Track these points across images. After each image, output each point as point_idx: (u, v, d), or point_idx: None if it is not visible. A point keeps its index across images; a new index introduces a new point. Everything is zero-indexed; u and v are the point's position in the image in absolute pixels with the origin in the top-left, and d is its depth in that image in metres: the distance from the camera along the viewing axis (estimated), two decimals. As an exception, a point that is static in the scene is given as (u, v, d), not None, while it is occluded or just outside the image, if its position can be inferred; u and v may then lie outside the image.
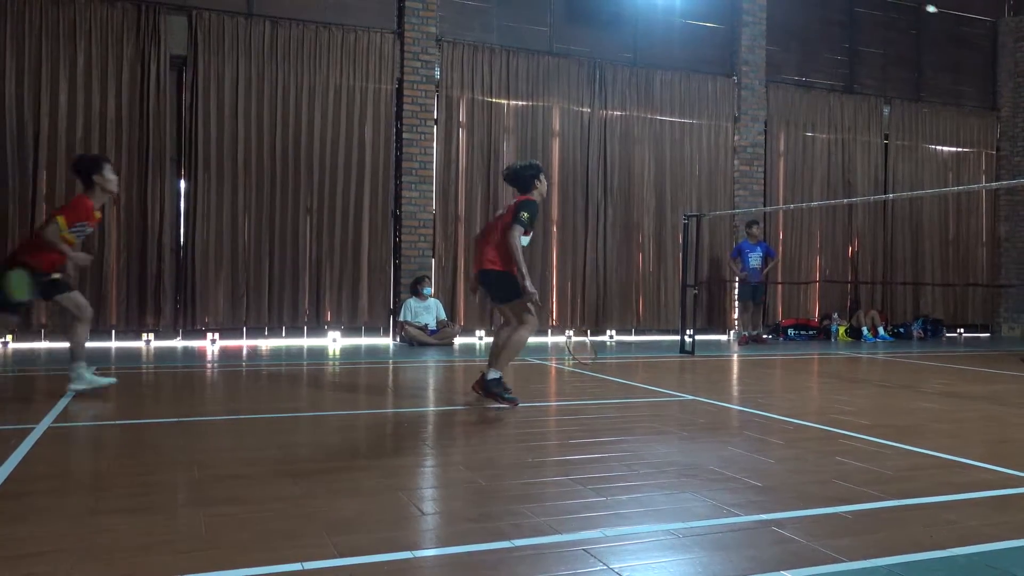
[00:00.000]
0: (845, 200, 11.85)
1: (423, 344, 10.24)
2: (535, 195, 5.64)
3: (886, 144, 14.05)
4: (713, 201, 12.60)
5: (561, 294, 11.79)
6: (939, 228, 14.38)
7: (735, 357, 9.91)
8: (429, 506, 3.22)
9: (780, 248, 13.02)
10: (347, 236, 10.63)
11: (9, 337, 9.39)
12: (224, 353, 9.22)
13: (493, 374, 5.48)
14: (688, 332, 10.12)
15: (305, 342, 10.52)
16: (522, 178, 5.65)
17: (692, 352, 9.85)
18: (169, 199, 9.93)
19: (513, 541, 2.73)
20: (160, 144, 9.79)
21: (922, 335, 13.52)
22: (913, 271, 14.08)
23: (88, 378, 5.68)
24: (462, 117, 11.28)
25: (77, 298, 5.76)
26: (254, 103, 10.22)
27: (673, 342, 10.69)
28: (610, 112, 12.06)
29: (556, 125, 11.83)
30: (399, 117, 10.98)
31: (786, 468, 3.90)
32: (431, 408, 5.82)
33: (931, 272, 14.20)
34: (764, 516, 3.05)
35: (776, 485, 3.54)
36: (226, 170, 10.09)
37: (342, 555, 2.56)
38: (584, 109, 11.92)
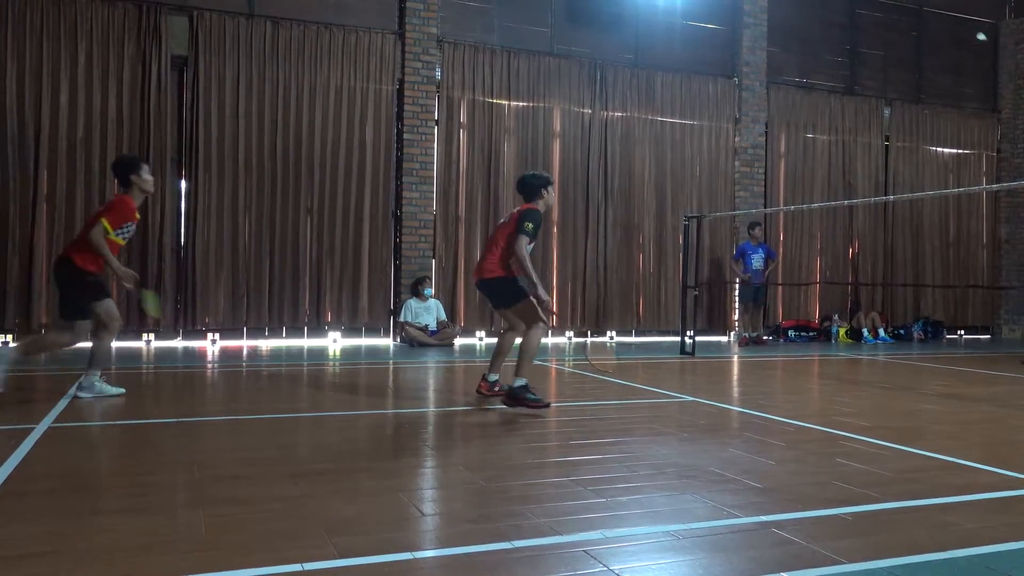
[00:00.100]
0: (846, 202, 11.85)
1: (423, 345, 10.24)
2: (540, 204, 5.68)
3: (887, 146, 14.05)
4: (714, 202, 12.60)
5: (561, 295, 11.79)
6: (940, 230, 14.37)
7: (735, 358, 9.90)
8: (429, 507, 3.22)
9: (780, 249, 13.02)
10: (348, 236, 10.63)
11: (9, 337, 9.38)
12: (224, 353, 9.22)
13: (518, 382, 5.39)
14: (688, 333, 10.12)
15: (305, 343, 10.52)
16: (530, 187, 5.70)
17: (692, 353, 9.85)
18: (170, 199, 9.93)
19: (513, 542, 2.73)
20: (161, 144, 9.79)
21: (922, 337, 13.52)
22: (913, 273, 14.08)
23: (98, 387, 5.65)
24: (463, 118, 11.28)
25: (110, 307, 5.72)
26: (255, 103, 10.22)
27: (673, 343, 10.69)
28: (611, 113, 12.06)
29: (557, 126, 11.84)
30: (400, 118, 10.98)
31: (786, 470, 3.90)
32: (431, 409, 5.82)
33: (931, 274, 14.20)
34: (764, 518, 3.05)
35: (776, 487, 3.54)
36: (227, 170, 10.10)
37: (342, 556, 2.56)
38: (585, 110, 11.92)
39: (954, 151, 14.62)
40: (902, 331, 13.54)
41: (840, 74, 13.87)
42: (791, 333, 12.86)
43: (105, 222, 5.46)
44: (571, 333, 11.99)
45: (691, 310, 10.32)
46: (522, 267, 5.49)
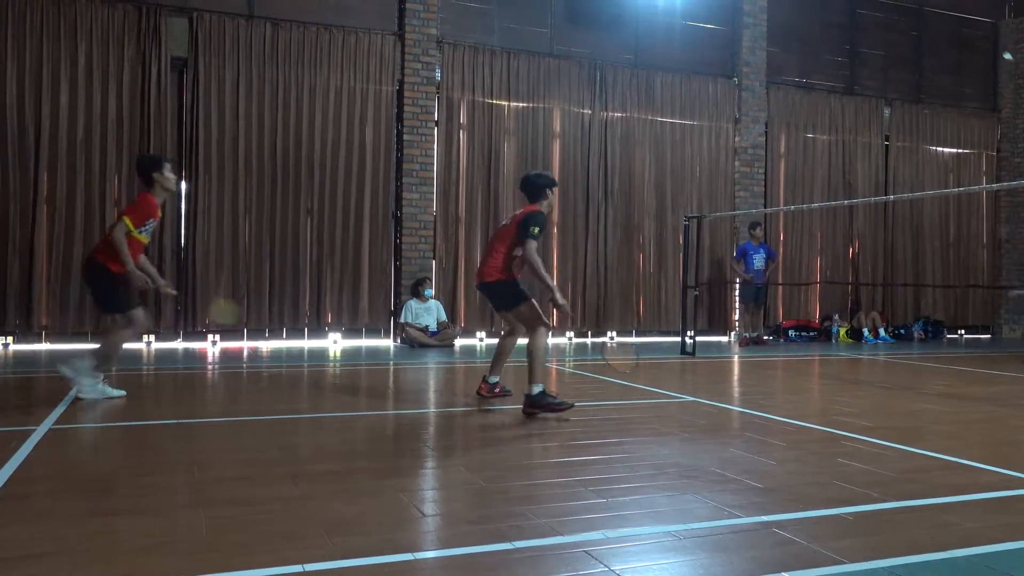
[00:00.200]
0: (846, 201, 11.84)
1: (424, 346, 10.24)
2: (544, 205, 5.65)
3: (887, 145, 14.04)
4: (714, 203, 12.60)
5: (561, 295, 11.75)
6: (940, 229, 14.37)
7: (736, 358, 9.90)
8: (430, 508, 3.22)
9: (781, 249, 13.02)
10: (348, 237, 10.63)
11: (10, 339, 9.39)
12: (225, 355, 9.22)
13: (536, 388, 5.29)
14: (689, 333, 10.12)
15: (306, 344, 10.52)
16: (535, 186, 5.65)
17: (693, 353, 9.85)
18: (170, 200, 9.87)
19: (514, 543, 2.72)
20: (161, 145, 9.79)
21: (923, 336, 13.52)
22: (914, 272, 14.07)
23: (100, 388, 5.67)
24: (463, 119, 11.28)
25: (136, 311, 5.81)
26: (255, 105, 10.22)
27: (674, 343, 10.69)
28: (611, 113, 12.06)
29: (557, 127, 11.84)
30: (400, 119, 10.98)
31: (787, 470, 3.89)
32: (432, 410, 5.82)
33: (932, 273, 14.19)
34: (765, 518, 3.05)
35: (777, 487, 3.54)
36: (227, 171, 10.10)
37: (343, 557, 2.56)
38: (585, 111, 11.92)
39: (954, 151, 14.62)
40: (902, 331, 13.53)
41: (840, 74, 13.87)
42: (791, 333, 12.86)
43: (127, 220, 5.56)
44: (571, 334, 11.99)
45: (691, 310, 10.32)
46: (536, 273, 5.47)
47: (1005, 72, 14.91)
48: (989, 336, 14.81)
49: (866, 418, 5.41)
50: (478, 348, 10.57)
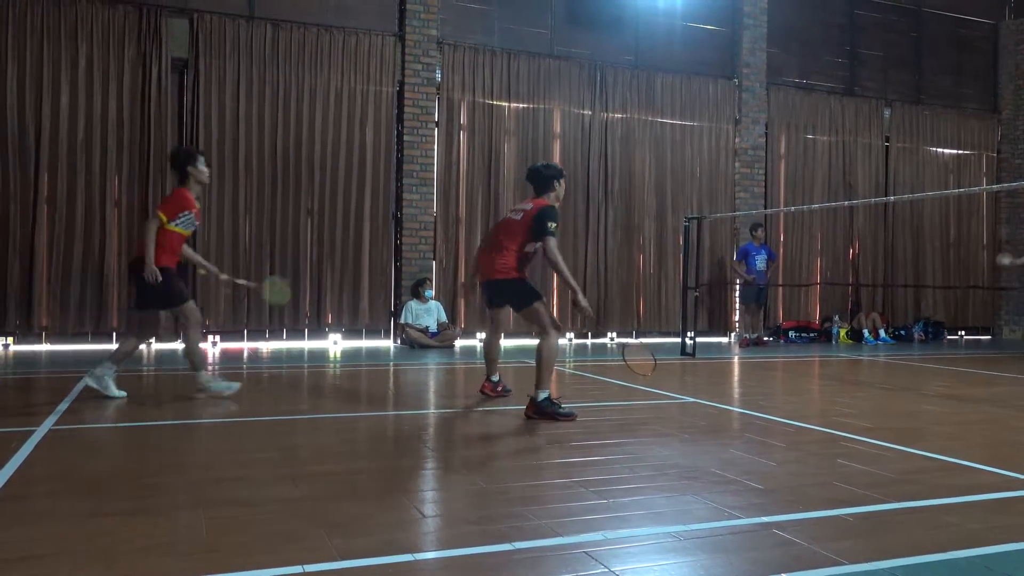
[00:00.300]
0: (846, 202, 11.84)
1: (424, 346, 10.24)
2: (551, 198, 5.57)
3: (887, 146, 14.05)
4: (714, 203, 12.60)
5: (562, 296, 11.77)
6: (940, 230, 14.37)
7: (736, 359, 9.90)
8: (430, 508, 3.22)
9: (781, 250, 13.02)
10: (348, 238, 10.63)
11: (10, 340, 9.39)
12: (225, 355, 9.22)
13: (542, 395, 5.19)
14: (689, 334, 10.12)
15: (306, 344, 10.52)
16: (543, 178, 5.57)
17: (693, 354, 9.85)
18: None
19: (514, 544, 2.73)
20: (161, 146, 9.79)
21: (923, 337, 13.52)
22: (914, 273, 14.08)
23: (107, 383, 5.72)
24: (463, 119, 11.29)
25: (189, 303, 5.91)
26: (255, 105, 10.23)
27: (674, 344, 10.69)
28: (611, 114, 12.06)
29: (557, 127, 11.84)
30: (400, 119, 10.99)
31: (787, 471, 3.90)
32: (432, 411, 5.81)
33: (932, 274, 14.19)
34: (765, 519, 3.05)
35: (777, 487, 3.54)
36: (227, 172, 10.10)
37: (343, 557, 2.56)
38: (585, 111, 11.92)
39: (954, 152, 14.62)
40: (903, 332, 13.53)
41: (840, 75, 13.88)
42: (791, 334, 12.86)
43: (161, 214, 5.65)
44: (571, 335, 11.99)
45: (692, 311, 10.32)
46: (559, 272, 5.32)
47: (1005, 73, 14.91)
48: (989, 337, 14.80)
49: (866, 419, 5.41)
50: (478, 349, 10.57)
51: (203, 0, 10.06)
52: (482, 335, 11.34)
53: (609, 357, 9.63)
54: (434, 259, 11.04)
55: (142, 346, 8.48)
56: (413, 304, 10.52)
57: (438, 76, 11.10)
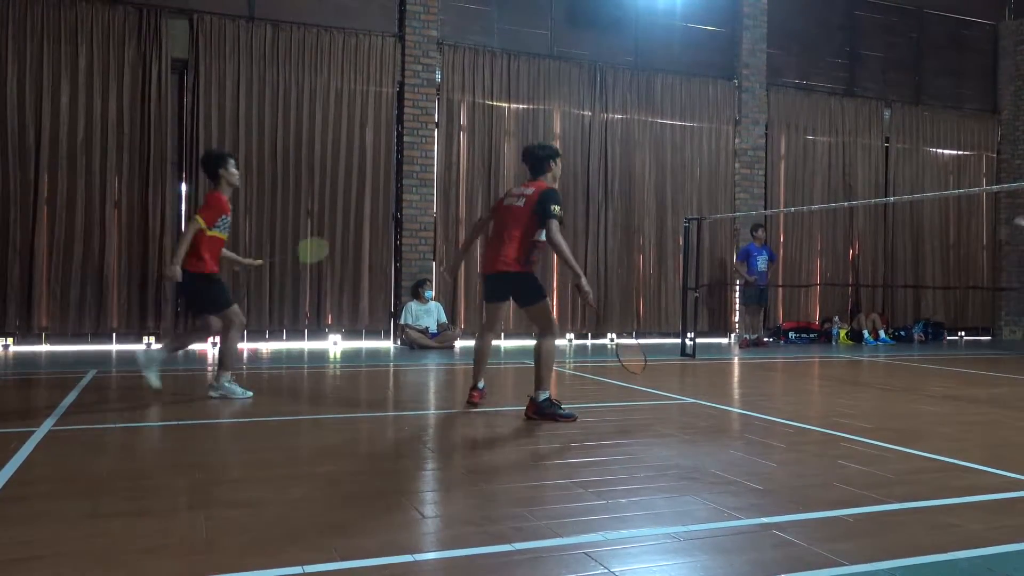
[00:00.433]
0: (846, 203, 11.85)
1: (424, 347, 10.24)
2: (549, 179, 5.43)
3: (887, 147, 14.05)
4: (714, 204, 12.60)
5: (562, 296, 11.78)
6: (940, 231, 14.37)
7: (736, 360, 9.90)
8: (430, 509, 3.22)
9: (781, 251, 13.02)
10: (348, 239, 10.63)
11: (10, 340, 9.39)
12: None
13: (543, 395, 5.14)
14: (689, 335, 10.12)
15: (306, 345, 10.52)
16: (538, 158, 5.43)
17: (693, 355, 9.85)
18: (170, 202, 9.92)
19: (514, 544, 2.72)
20: (161, 147, 9.80)
21: (923, 338, 13.51)
22: (914, 274, 14.08)
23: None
24: (463, 120, 11.29)
25: (234, 308, 5.98)
26: (255, 106, 10.23)
27: (674, 345, 10.69)
28: (611, 115, 12.06)
29: (557, 128, 11.84)
30: (400, 120, 10.99)
31: (787, 471, 3.89)
32: (432, 411, 5.81)
33: (932, 275, 14.19)
34: (765, 519, 3.05)
35: (777, 488, 3.53)
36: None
37: (343, 558, 2.56)
38: (585, 112, 11.92)
39: (954, 152, 14.62)
40: (902, 332, 13.53)
41: (840, 76, 13.88)
42: (791, 335, 12.86)
43: (200, 219, 5.69)
44: (571, 335, 11.99)
45: (691, 312, 10.32)
46: (562, 256, 5.14)
47: (1005, 74, 14.91)
48: (989, 338, 14.80)
49: (866, 420, 5.41)
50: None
51: (203, 1, 10.06)
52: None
53: (609, 358, 9.62)
54: (434, 260, 11.04)
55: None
56: (413, 305, 10.52)
57: (438, 77, 11.10)
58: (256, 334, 10.31)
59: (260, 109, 10.24)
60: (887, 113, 14.01)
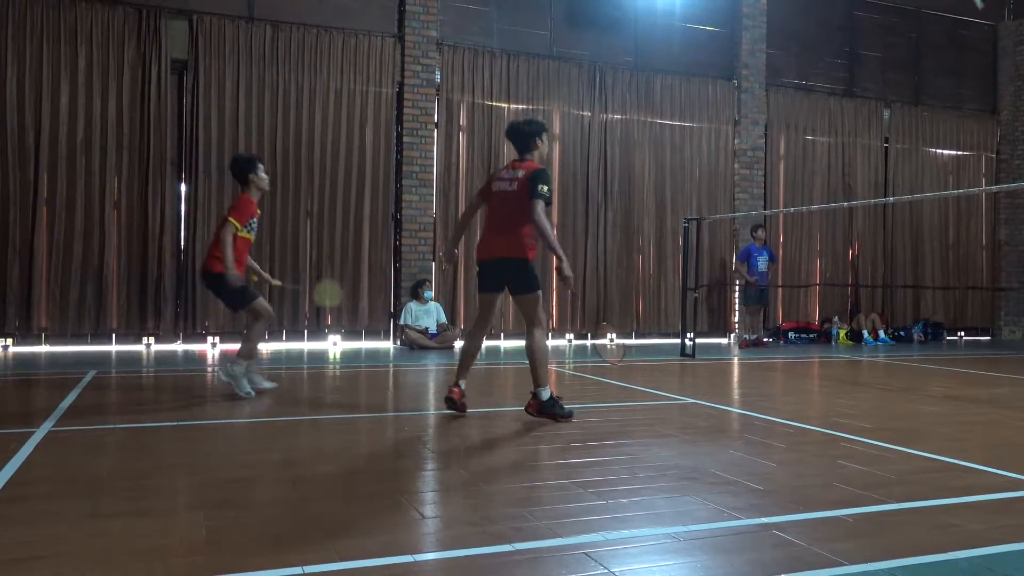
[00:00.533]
0: (845, 203, 11.85)
1: (424, 348, 10.24)
2: (535, 157, 5.26)
3: (886, 147, 14.05)
4: (713, 205, 12.60)
5: (561, 297, 11.78)
6: (939, 231, 14.38)
7: (736, 360, 9.90)
8: (429, 510, 3.21)
9: (780, 251, 13.02)
10: (347, 239, 10.63)
11: (9, 341, 9.39)
12: (225, 356, 9.21)
13: (545, 393, 5.09)
14: (689, 335, 10.12)
15: (305, 345, 10.51)
16: (523, 135, 5.26)
17: (693, 355, 9.85)
18: (170, 202, 9.92)
19: (513, 545, 2.72)
20: (161, 147, 9.80)
21: (922, 338, 13.52)
22: (913, 274, 14.08)
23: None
24: (462, 120, 11.29)
25: (260, 301, 6.12)
26: (255, 107, 10.23)
27: (674, 345, 10.69)
28: (610, 116, 12.06)
29: (556, 128, 11.84)
30: (399, 121, 10.99)
31: (787, 471, 3.89)
32: (432, 412, 5.80)
33: (931, 275, 14.20)
34: (765, 519, 3.05)
35: (777, 488, 3.53)
36: (227, 173, 10.06)
37: (343, 559, 2.56)
38: (584, 113, 11.92)
39: (953, 153, 14.63)
40: (902, 333, 13.54)
41: (839, 76, 13.88)
42: (791, 335, 12.86)
43: (233, 221, 5.82)
44: (571, 335, 11.99)
45: (691, 312, 10.32)
46: (544, 237, 5.00)
47: (1005, 74, 14.92)
48: (989, 338, 14.81)
49: (866, 420, 5.41)
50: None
51: (203, 1, 10.07)
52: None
53: (599, 358, 9.62)
54: (433, 260, 11.04)
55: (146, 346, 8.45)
56: (412, 305, 10.52)
57: (437, 77, 11.11)
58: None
59: (260, 109, 10.24)
60: (886, 113, 14.02)
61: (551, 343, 11.51)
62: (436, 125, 11.14)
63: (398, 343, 10.75)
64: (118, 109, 9.68)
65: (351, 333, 10.76)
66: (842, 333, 12.95)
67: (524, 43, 11.72)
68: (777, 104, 13.15)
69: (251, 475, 3.68)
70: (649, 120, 12.31)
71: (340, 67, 10.60)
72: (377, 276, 10.81)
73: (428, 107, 11.07)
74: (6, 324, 9.28)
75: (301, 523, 2.93)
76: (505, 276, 5.24)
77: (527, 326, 5.24)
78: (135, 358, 8.86)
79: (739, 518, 3.07)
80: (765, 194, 13.09)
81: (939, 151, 14.52)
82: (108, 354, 9.18)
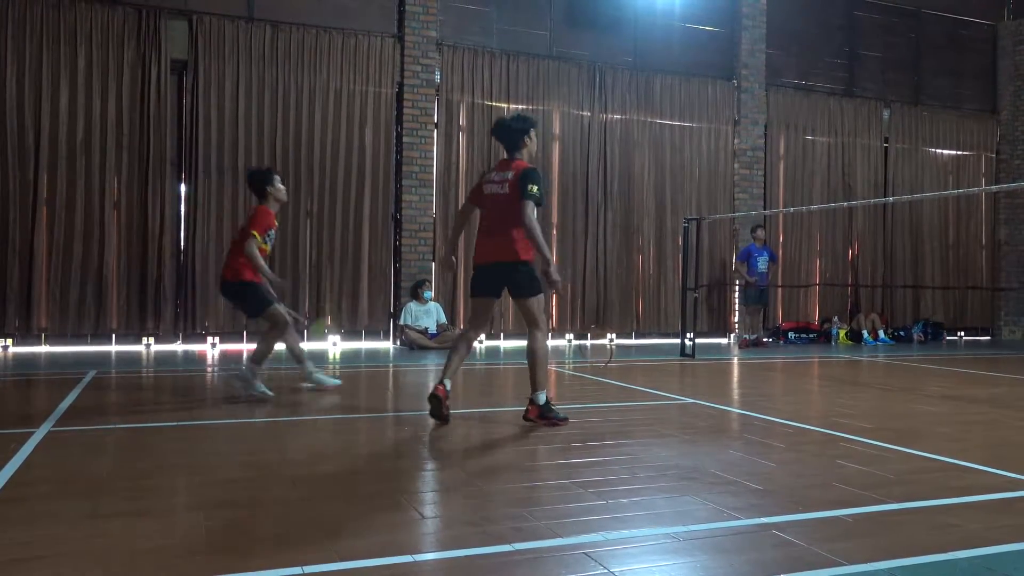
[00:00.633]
0: (845, 203, 11.85)
1: (423, 348, 10.24)
2: (524, 155, 5.11)
3: (886, 147, 14.05)
4: (713, 205, 12.60)
5: (561, 297, 11.78)
6: (939, 231, 14.38)
7: (735, 360, 9.90)
8: (429, 510, 3.22)
9: (780, 251, 13.02)
10: (347, 240, 10.63)
11: (9, 341, 9.39)
12: (224, 357, 9.21)
13: (542, 397, 4.99)
14: (688, 335, 10.12)
15: (305, 346, 10.48)
16: (511, 131, 5.10)
17: (693, 355, 9.85)
18: (169, 202, 9.92)
19: (513, 545, 2.72)
20: (160, 148, 9.80)
21: (922, 338, 13.52)
22: (913, 274, 14.08)
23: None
24: (462, 121, 11.29)
25: (276, 309, 6.26)
26: (254, 107, 10.23)
27: (673, 345, 10.69)
28: (610, 116, 12.06)
29: (556, 129, 11.84)
30: (399, 121, 10.99)
31: (787, 471, 3.89)
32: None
33: (931, 275, 14.20)
34: (765, 519, 3.05)
35: (777, 488, 3.53)
36: (226, 174, 10.09)
37: (342, 559, 2.56)
38: (584, 113, 11.92)
39: (953, 153, 14.63)
40: (902, 333, 13.54)
41: (839, 76, 13.88)
42: (791, 335, 12.86)
43: (256, 233, 5.95)
44: (571, 336, 11.99)
45: (691, 312, 10.32)
46: (532, 240, 4.86)
47: (1004, 74, 14.92)
48: (989, 338, 14.81)
49: (866, 420, 5.41)
50: (478, 350, 10.57)
51: (202, 2, 10.07)
52: (481, 336, 11.30)
53: (612, 359, 9.62)
54: (433, 260, 11.04)
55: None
56: (412, 305, 10.52)
57: (437, 77, 11.11)
58: (256, 335, 10.28)
59: (259, 110, 10.24)
60: (886, 113, 14.02)
61: (551, 343, 11.51)
62: (436, 125, 11.14)
63: (398, 343, 10.75)
64: (118, 109, 9.68)
65: (351, 333, 10.75)
66: (842, 333, 12.95)
67: (524, 43, 11.72)
68: (777, 104, 13.15)
69: (251, 475, 3.68)
70: (649, 120, 12.31)
71: (340, 67, 10.60)
72: (377, 276, 10.81)
73: (428, 107, 11.07)
74: (6, 324, 9.28)
75: (301, 523, 2.93)
76: (503, 280, 5.15)
77: (528, 328, 5.17)
78: (135, 358, 8.86)
79: (739, 518, 3.07)
80: (765, 194, 13.09)
81: (939, 151, 14.52)
82: (108, 354, 9.18)
